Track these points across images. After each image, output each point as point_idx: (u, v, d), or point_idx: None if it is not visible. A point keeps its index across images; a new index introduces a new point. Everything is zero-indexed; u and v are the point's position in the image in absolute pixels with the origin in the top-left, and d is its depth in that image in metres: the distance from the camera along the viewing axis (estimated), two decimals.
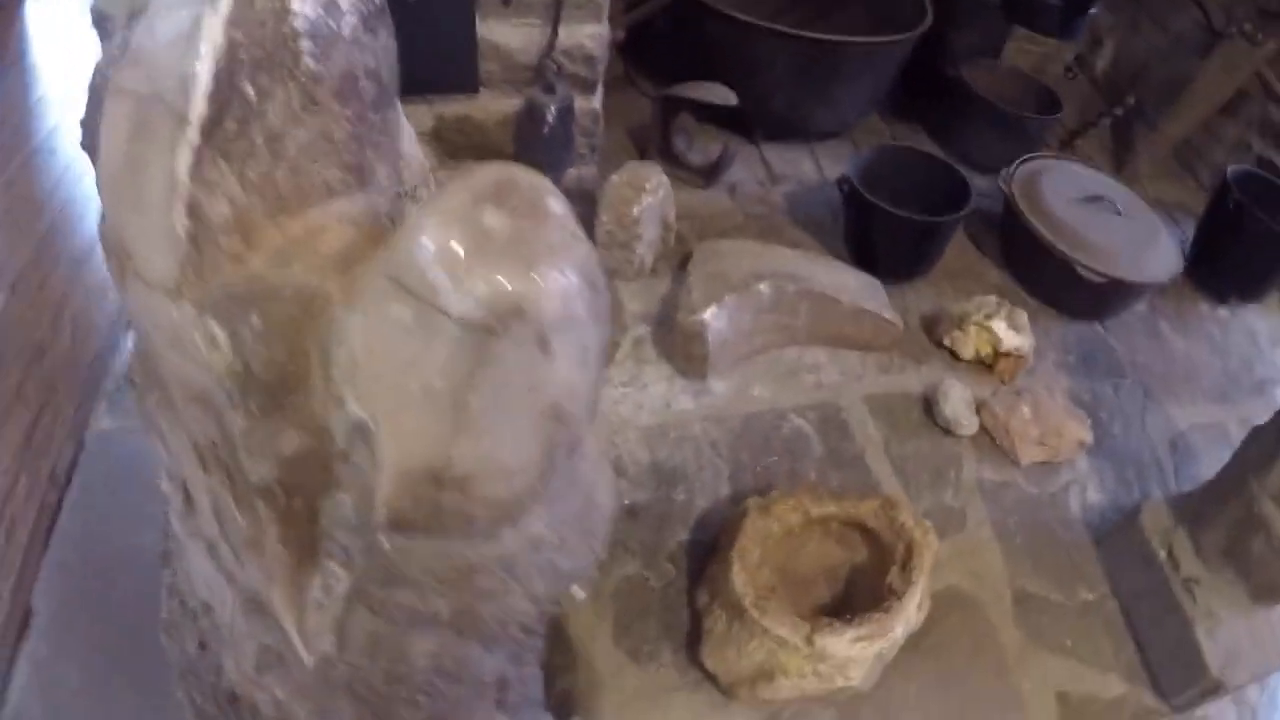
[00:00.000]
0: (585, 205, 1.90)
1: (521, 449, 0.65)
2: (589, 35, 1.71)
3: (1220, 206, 2.38)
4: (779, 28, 1.99)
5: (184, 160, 0.62)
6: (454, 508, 0.65)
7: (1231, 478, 1.73)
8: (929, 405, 1.96)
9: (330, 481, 0.69)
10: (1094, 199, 2.26)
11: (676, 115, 2.15)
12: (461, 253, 0.57)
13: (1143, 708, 1.68)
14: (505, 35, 1.67)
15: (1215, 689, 1.65)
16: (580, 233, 0.64)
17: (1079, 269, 2.14)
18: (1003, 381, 2.06)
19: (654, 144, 2.20)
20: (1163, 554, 1.76)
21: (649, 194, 1.85)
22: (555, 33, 1.63)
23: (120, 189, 0.67)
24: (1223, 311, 2.52)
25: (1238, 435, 1.80)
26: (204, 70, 0.60)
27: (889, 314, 2.01)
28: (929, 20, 2.18)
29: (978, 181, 2.27)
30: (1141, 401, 2.21)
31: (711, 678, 1.46)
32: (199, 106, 0.61)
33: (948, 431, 1.93)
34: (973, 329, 2.02)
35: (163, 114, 0.62)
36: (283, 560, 0.74)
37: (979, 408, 1.96)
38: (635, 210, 1.84)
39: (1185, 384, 2.29)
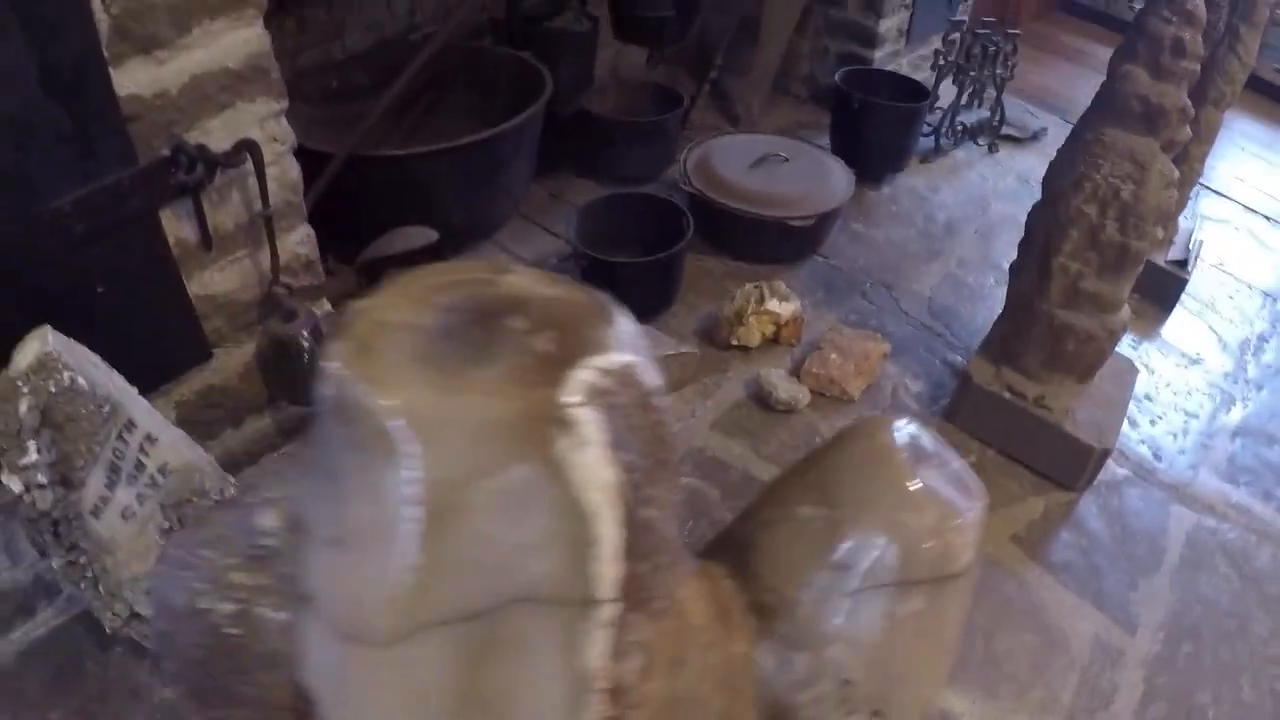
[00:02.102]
0: None
1: None
2: (300, 240, 1.58)
3: (845, 110, 2.67)
4: (440, 146, 1.95)
5: (596, 647, 0.49)
6: None
7: (1018, 308, 1.98)
8: (762, 399, 2.04)
9: None
10: (760, 159, 2.45)
11: (379, 279, 2.04)
12: None
13: (1062, 502, 1.99)
14: (217, 283, 1.51)
15: (1103, 456, 1.94)
16: None
17: (790, 223, 2.33)
18: (793, 345, 2.19)
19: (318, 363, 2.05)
20: (1006, 394, 1.98)
21: None
22: (276, 253, 1.49)
23: None
24: (885, 190, 2.85)
25: (967, 274, 2.13)
26: (603, 524, 0.46)
27: (683, 347, 2.06)
28: (549, 84, 2.23)
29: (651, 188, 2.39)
30: (887, 293, 2.45)
31: None
32: (609, 571, 0.48)
33: (790, 410, 2.02)
34: (752, 319, 2.12)
35: (529, 619, 0.48)
36: None
37: (800, 377, 2.06)
38: None
39: (904, 260, 2.57)
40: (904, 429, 0.61)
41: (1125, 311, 1.99)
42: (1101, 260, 1.91)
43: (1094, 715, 1.65)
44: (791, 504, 0.61)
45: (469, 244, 2.35)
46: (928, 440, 0.61)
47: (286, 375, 1.60)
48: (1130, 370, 2.19)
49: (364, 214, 2.00)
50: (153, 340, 1.48)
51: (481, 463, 0.46)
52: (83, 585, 1.46)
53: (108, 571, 1.42)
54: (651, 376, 0.54)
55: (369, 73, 2.27)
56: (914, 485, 0.58)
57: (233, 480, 1.53)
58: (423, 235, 1.92)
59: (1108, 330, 1.96)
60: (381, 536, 0.47)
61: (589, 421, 0.48)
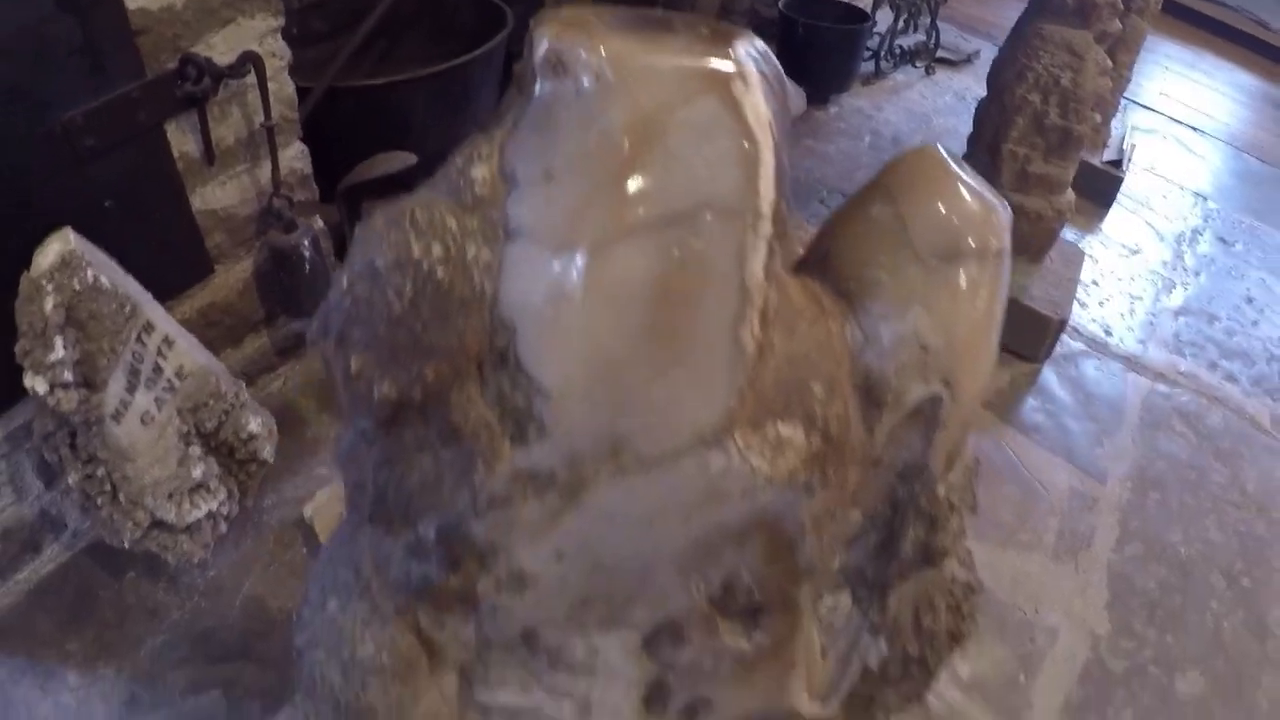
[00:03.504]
0: None
1: None
2: (296, 155, 1.64)
3: (791, 36, 2.77)
4: (417, 73, 2.00)
5: (758, 261, 0.60)
6: None
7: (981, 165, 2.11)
8: None
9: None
10: None
11: (359, 206, 2.08)
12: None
13: (1026, 372, 2.13)
14: (219, 197, 1.56)
15: (1060, 327, 2.11)
16: None
17: None
18: None
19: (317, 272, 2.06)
20: None
21: None
22: (277, 165, 1.54)
23: (628, 367, 0.62)
24: (832, 109, 2.97)
25: None
26: (766, 150, 0.59)
27: None
28: (510, 19, 2.29)
29: None
30: (843, 199, 2.57)
31: None
32: (769, 192, 0.60)
33: None
34: None
35: (714, 224, 0.59)
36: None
37: None
38: None
39: (857, 170, 2.71)
40: (949, 152, 0.72)
41: (1070, 195, 2.13)
42: (1046, 144, 2.04)
43: (1076, 554, 1.78)
44: (861, 208, 0.71)
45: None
46: (965, 165, 0.73)
47: (286, 287, 1.65)
48: (1077, 254, 2.33)
49: (341, 145, 2.04)
50: (157, 256, 1.52)
51: (675, 97, 0.60)
52: (99, 501, 1.48)
53: (128, 479, 1.45)
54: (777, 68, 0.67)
55: (328, 19, 2.31)
56: (962, 180, 0.68)
57: (244, 385, 1.57)
58: (402, 159, 1.97)
59: (1056, 210, 2.09)
60: (593, 161, 0.60)
61: (753, 73, 0.62)
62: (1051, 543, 1.79)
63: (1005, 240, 0.71)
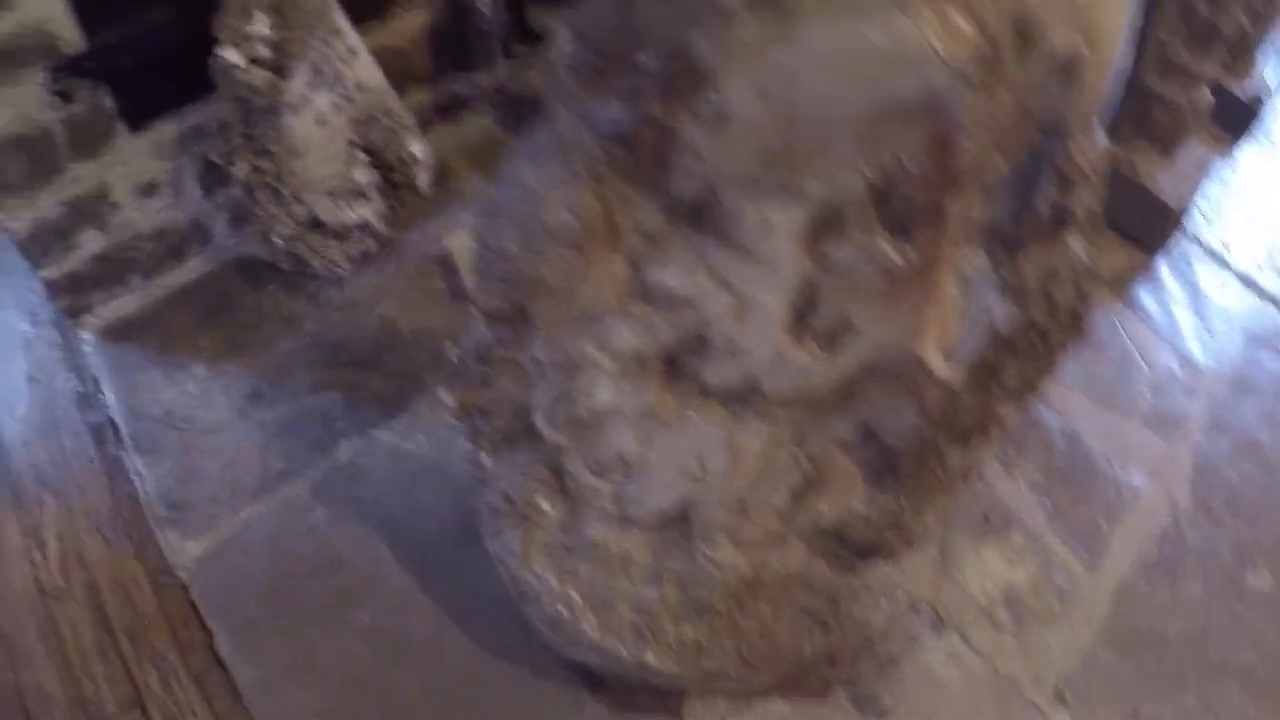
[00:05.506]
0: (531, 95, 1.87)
1: None
2: None
3: None
4: None
5: None
6: None
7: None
8: None
9: None
10: None
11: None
12: None
13: (1142, 260, 2.15)
14: None
15: (1179, 219, 2.14)
16: None
17: None
18: None
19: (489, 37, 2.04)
20: None
21: None
22: None
23: None
24: None
25: None
26: None
27: None
28: None
29: None
30: None
31: None
32: None
33: None
34: None
35: None
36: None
37: None
38: None
39: None
40: None
41: (1206, 93, 2.13)
42: (1191, 34, 2.05)
43: (1168, 429, 1.83)
44: None
45: None
46: None
47: (458, 42, 1.73)
48: (1207, 158, 2.33)
49: None
50: None
51: None
52: (260, 197, 1.57)
53: (294, 174, 1.55)
54: None
55: None
56: None
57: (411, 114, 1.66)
58: None
59: (1191, 104, 2.10)
60: None
61: None
62: (1144, 412, 1.82)
63: None
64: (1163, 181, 2.10)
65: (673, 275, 0.91)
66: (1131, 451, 1.76)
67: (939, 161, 0.83)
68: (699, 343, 0.94)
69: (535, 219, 0.91)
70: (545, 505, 1.09)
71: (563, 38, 0.86)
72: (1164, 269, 2.16)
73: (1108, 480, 1.71)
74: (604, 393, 0.97)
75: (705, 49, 0.77)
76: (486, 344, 1.03)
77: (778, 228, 0.86)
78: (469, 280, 1.41)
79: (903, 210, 0.86)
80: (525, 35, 1.87)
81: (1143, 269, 2.13)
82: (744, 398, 0.98)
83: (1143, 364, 1.91)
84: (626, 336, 0.94)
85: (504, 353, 1.02)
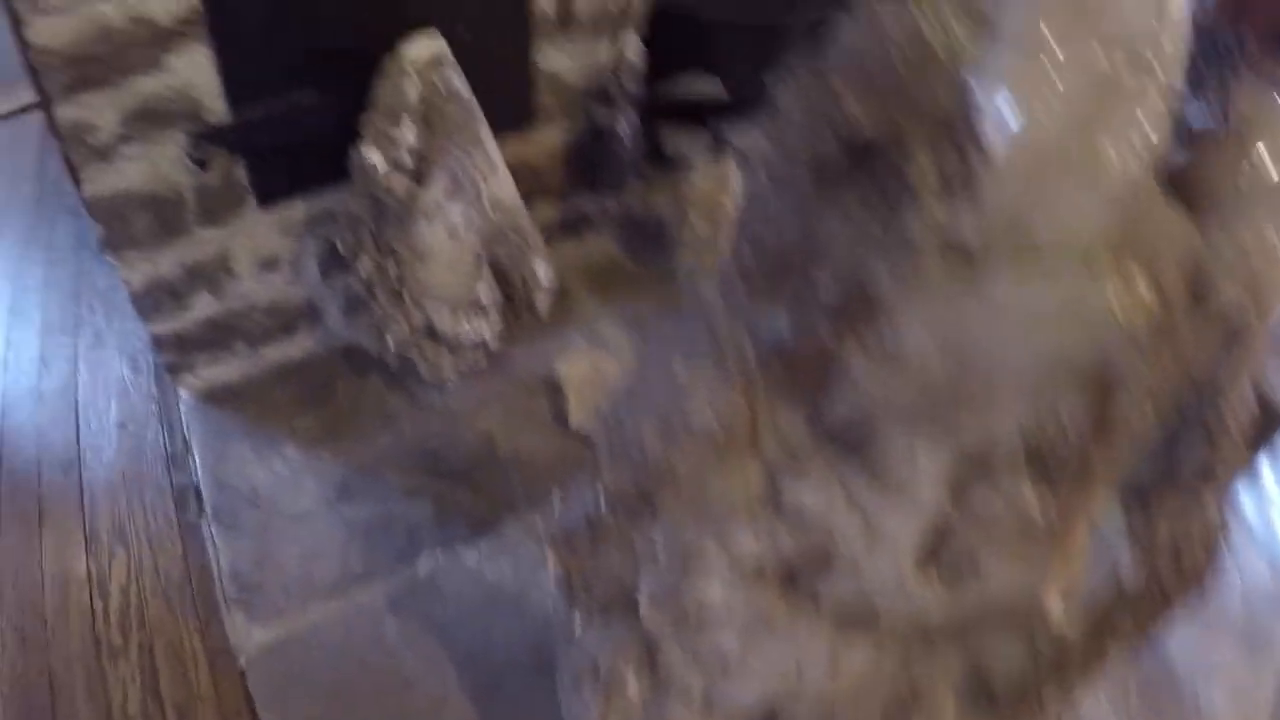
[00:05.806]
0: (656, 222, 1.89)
1: None
2: (632, 46, 1.74)
3: None
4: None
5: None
6: None
7: None
8: None
9: None
10: None
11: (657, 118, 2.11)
12: None
13: None
14: (558, 60, 1.67)
15: None
16: None
17: None
18: None
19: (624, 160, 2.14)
20: None
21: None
22: (620, 47, 1.65)
23: (1052, 156, 0.69)
24: None
25: None
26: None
27: None
28: None
29: None
30: None
31: None
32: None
33: None
34: None
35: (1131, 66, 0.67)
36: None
37: None
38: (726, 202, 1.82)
39: None
40: None
41: None
42: None
43: (1255, 647, 1.74)
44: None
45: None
46: None
47: (593, 163, 1.75)
48: None
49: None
50: (487, 94, 1.64)
51: None
52: (380, 295, 1.59)
53: (418, 280, 1.58)
54: None
55: None
56: None
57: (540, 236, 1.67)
58: (712, 88, 1.98)
59: None
60: None
61: None
62: (1233, 625, 1.75)
63: None
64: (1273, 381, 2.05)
65: (808, 491, 0.89)
66: (1215, 669, 1.69)
67: (1096, 418, 0.82)
68: (822, 560, 0.92)
69: (678, 412, 0.90)
70: (632, 681, 1.06)
71: (741, 239, 0.87)
72: (1265, 468, 2.09)
73: (1188, 699, 1.65)
74: (716, 591, 0.95)
75: (886, 281, 0.77)
76: (601, 516, 1.02)
77: (924, 465, 0.84)
78: (576, 416, 1.41)
79: (1050, 462, 0.84)
80: (657, 158, 1.93)
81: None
82: (857, 617, 0.95)
83: (1235, 573, 1.84)
84: (749, 543, 0.92)
85: (618, 529, 1.01)
